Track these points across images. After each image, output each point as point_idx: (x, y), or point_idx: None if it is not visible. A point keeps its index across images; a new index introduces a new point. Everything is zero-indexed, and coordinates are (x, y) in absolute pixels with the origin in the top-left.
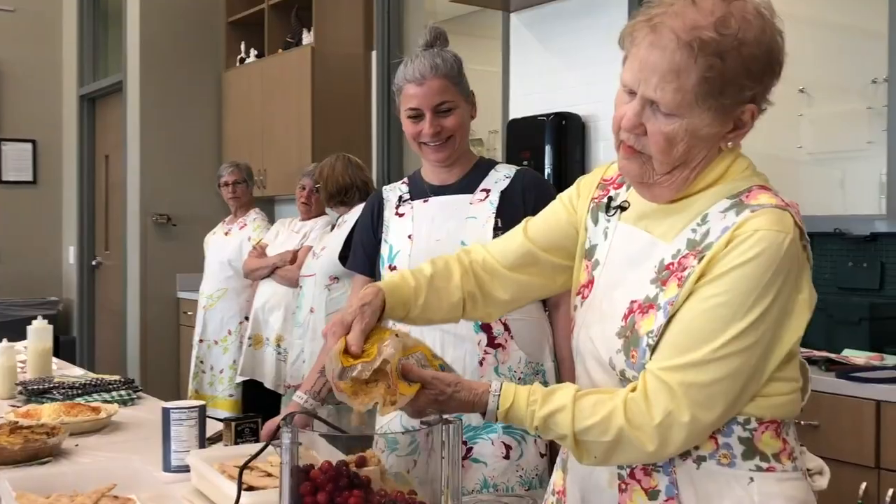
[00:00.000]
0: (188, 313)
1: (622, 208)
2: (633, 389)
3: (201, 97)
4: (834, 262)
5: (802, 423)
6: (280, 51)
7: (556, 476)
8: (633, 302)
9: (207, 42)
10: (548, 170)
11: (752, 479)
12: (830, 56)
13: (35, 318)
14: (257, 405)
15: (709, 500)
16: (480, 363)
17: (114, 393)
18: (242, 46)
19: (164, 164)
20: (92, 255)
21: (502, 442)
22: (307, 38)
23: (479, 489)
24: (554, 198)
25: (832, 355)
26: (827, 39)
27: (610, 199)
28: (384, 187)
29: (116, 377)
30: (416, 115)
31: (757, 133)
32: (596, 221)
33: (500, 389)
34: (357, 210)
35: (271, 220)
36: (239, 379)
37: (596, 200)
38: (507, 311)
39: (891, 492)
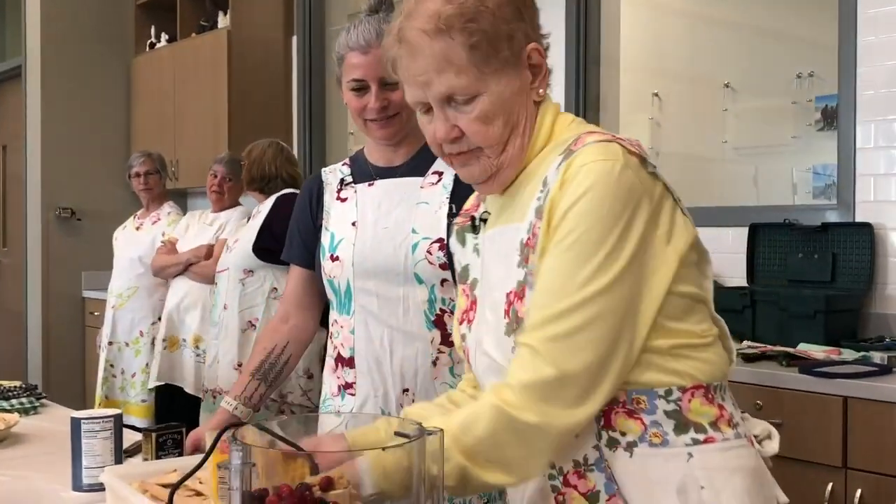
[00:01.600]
0: (95, 314)
1: (484, 220)
2: None
3: (108, 84)
4: (783, 254)
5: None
6: (193, 35)
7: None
8: (508, 294)
9: (115, 25)
10: None
11: (690, 454)
12: (755, 53)
13: None
14: (173, 411)
15: (651, 489)
16: (434, 363)
17: (13, 401)
18: (153, 30)
19: (68, 155)
20: None
21: None
22: (223, 21)
23: None
24: None
25: (790, 349)
26: (751, 38)
27: (473, 218)
28: (323, 169)
29: (16, 383)
30: (360, 88)
31: (681, 127)
32: (463, 242)
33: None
34: (271, 201)
35: (185, 213)
36: (153, 384)
37: (458, 224)
38: None
39: (859, 493)
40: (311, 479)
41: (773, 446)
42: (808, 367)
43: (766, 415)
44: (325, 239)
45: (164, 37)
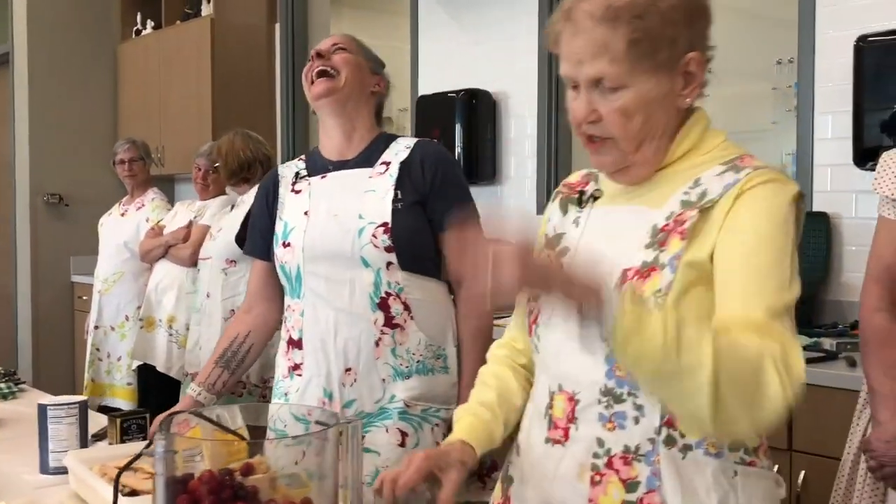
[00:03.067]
0: (84, 298)
1: (595, 198)
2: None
3: (95, 70)
4: None
5: None
6: (178, 22)
7: (496, 492)
8: (626, 270)
9: (101, 12)
10: (458, 148)
11: (736, 472)
12: (735, 38)
13: None
14: (156, 393)
15: (693, 494)
16: (377, 343)
17: None
18: (138, 17)
19: (55, 142)
20: None
21: (398, 429)
22: (206, 8)
23: (369, 481)
24: (456, 167)
25: None
26: (731, 22)
27: (581, 192)
28: (280, 165)
29: None
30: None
31: None
32: (565, 211)
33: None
34: (254, 191)
35: (171, 199)
36: (135, 365)
37: (564, 194)
38: None
39: (803, 474)
40: (234, 465)
41: (781, 493)
42: None
43: None
44: (278, 228)
45: (149, 24)
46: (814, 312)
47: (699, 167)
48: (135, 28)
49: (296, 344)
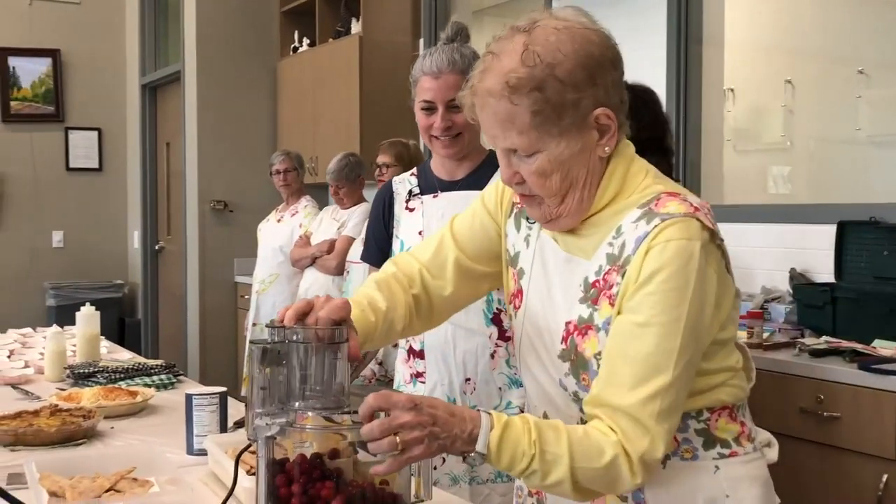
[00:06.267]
0: (245, 297)
1: None
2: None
3: (256, 86)
4: (870, 251)
5: (825, 414)
6: (330, 40)
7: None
8: (568, 323)
9: (262, 32)
10: None
11: (717, 467)
12: (890, 35)
13: (95, 301)
14: None
15: (682, 498)
16: (492, 356)
17: (154, 377)
18: (296, 35)
19: (221, 152)
20: (155, 240)
21: None
22: (356, 27)
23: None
24: None
25: (859, 346)
26: (887, 17)
27: None
28: (394, 179)
29: (159, 362)
30: (429, 108)
31: (813, 115)
32: (518, 228)
33: (490, 413)
34: None
35: (324, 206)
36: None
37: (518, 206)
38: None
39: None
40: (321, 450)
41: (773, 454)
42: (868, 363)
43: (826, 407)
44: (395, 246)
45: (305, 41)
46: None
47: (622, 213)
48: (292, 46)
49: (417, 354)
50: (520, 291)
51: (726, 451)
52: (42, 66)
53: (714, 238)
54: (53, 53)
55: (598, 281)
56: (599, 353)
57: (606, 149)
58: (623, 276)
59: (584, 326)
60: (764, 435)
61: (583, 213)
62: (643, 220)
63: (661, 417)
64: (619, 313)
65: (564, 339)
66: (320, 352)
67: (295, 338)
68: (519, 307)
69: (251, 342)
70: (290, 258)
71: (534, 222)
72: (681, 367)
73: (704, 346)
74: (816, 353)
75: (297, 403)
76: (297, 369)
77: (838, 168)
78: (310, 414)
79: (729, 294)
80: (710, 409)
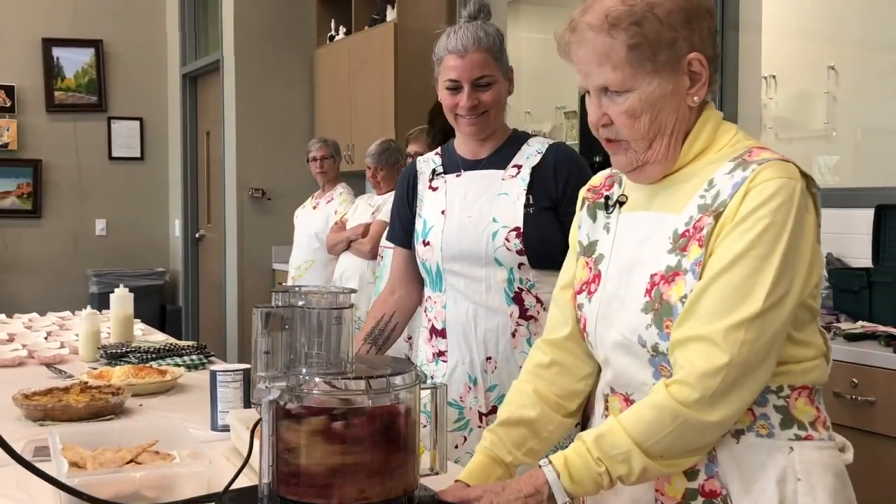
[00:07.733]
0: (283, 284)
1: (620, 203)
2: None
3: (294, 74)
4: None
5: (859, 398)
6: (366, 28)
7: None
8: (653, 275)
9: (299, 20)
10: None
11: (791, 448)
12: None
13: (137, 289)
14: None
15: (752, 474)
16: (513, 334)
17: (185, 358)
18: (332, 24)
19: (259, 141)
20: (196, 228)
21: None
22: (391, 14)
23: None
24: (588, 173)
25: (895, 330)
26: None
27: (607, 197)
28: (418, 158)
29: (191, 343)
30: (455, 87)
31: (857, 102)
32: (594, 218)
33: (549, 460)
34: None
35: (359, 194)
36: None
37: (590, 200)
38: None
39: None
40: None
41: (848, 456)
42: None
43: (860, 392)
44: (418, 225)
45: (341, 30)
46: None
47: (713, 165)
48: (329, 34)
49: (439, 333)
50: (596, 276)
51: (802, 434)
52: (85, 56)
53: (811, 185)
54: (96, 44)
55: (687, 230)
56: (685, 297)
57: (696, 98)
58: (716, 218)
59: (672, 273)
60: (839, 438)
61: (670, 162)
62: (738, 169)
63: (743, 348)
64: (710, 255)
65: (648, 292)
66: (323, 317)
67: (299, 303)
68: (595, 291)
69: (255, 307)
70: (325, 244)
71: (612, 210)
72: (770, 302)
73: (797, 299)
74: (852, 338)
75: (301, 369)
76: (300, 334)
77: (883, 155)
78: (316, 379)
79: (819, 259)
80: (791, 387)
